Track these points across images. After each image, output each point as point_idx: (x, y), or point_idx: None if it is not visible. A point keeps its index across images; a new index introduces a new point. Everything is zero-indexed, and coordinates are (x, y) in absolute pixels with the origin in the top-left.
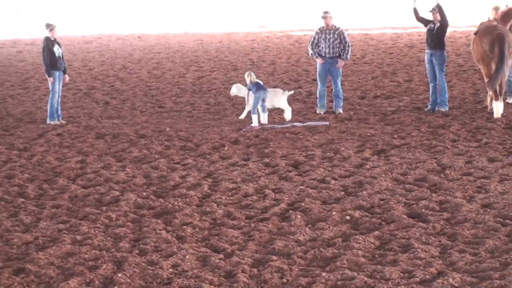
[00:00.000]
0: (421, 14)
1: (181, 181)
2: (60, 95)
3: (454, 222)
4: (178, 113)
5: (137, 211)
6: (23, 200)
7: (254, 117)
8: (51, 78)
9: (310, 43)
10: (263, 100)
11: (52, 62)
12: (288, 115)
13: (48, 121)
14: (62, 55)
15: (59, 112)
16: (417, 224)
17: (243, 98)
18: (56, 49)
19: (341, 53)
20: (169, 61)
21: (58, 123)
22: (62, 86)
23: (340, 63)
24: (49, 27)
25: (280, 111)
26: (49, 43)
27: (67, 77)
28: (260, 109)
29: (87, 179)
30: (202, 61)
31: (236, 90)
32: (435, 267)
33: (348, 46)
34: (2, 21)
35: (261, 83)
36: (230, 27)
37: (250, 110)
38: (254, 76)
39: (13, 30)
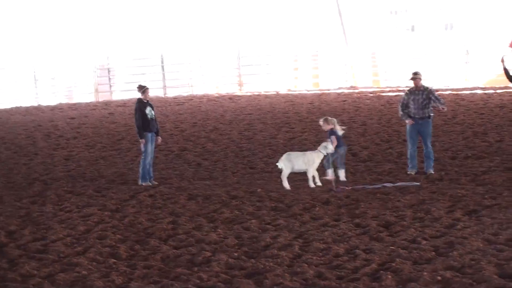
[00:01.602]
0: None
1: (272, 242)
2: (152, 156)
3: None
4: (269, 174)
5: (228, 272)
6: (115, 260)
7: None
8: (143, 140)
9: (400, 104)
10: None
11: (144, 124)
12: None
13: (140, 182)
14: (155, 117)
15: (151, 173)
16: (508, 284)
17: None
18: (149, 110)
19: (437, 105)
20: (260, 122)
21: (150, 184)
22: (155, 148)
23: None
24: (142, 89)
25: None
26: (141, 105)
27: (159, 139)
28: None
29: (179, 239)
30: (293, 122)
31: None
32: None
33: (440, 100)
34: (94, 83)
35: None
36: (321, 87)
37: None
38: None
39: (105, 91)
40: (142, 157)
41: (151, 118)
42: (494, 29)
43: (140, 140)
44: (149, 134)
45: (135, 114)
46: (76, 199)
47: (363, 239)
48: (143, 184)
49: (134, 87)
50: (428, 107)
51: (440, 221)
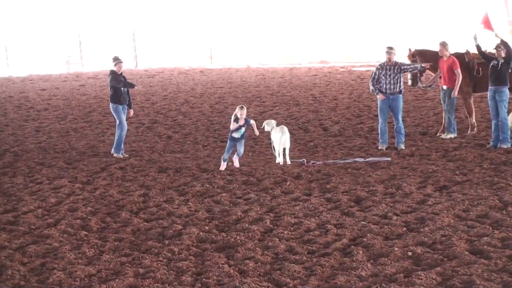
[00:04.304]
0: (484, 50)
1: (243, 216)
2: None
3: None
4: None
5: (199, 245)
6: (86, 233)
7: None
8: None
9: (371, 79)
10: None
11: (116, 97)
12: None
13: (112, 152)
14: (128, 90)
15: (122, 146)
16: (479, 261)
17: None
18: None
19: (401, 91)
20: (231, 95)
21: (121, 156)
22: (126, 120)
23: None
24: (115, 61)
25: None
26: (114, 75)
27: (131, 112)
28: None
29: (150, 212)
30: (264, 96)
31: (267, 127)
32: None
33: (411, 64)
34: (65, 55)
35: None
36: (292, 62)
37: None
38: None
39: (76, 63)
40: (119, 129)
41: (123, 90)
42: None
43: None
44: (120, 107)
45: (110, 82)
46: (47, 171)
47: (334, 214)
48: (115, 155)
49: (105, 59)
50: (399, 82)
51: (411, 197)
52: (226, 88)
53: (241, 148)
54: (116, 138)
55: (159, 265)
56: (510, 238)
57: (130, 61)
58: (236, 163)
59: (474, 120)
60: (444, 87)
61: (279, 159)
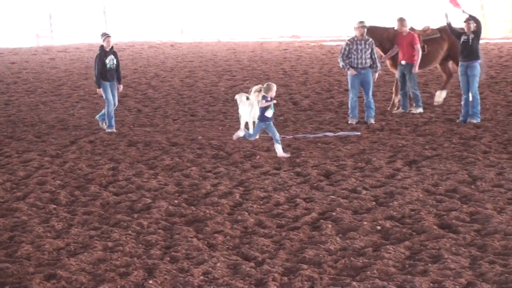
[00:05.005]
0: (454, 27)
1: (212, 189)
2: (115, 105)
3: (484, 233)
4: (210, 122)
5: (168, 219)
6: (55, 206)
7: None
8: (100, 90)
9: (341, 54)
10: None
11: (102, 73)
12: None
13: (106, 129)
14: (116, 66)
15: (113, 122)
16: (447, 235)
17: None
18: (109, 60)
19: (372, 65)
20: (201, 69)
21: (104, 127)
22: (117, 96)
23: (375, 76)
24: (103, 36)
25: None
26: (101, 53)
27: (120, 87)
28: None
29: (119, 186)
30: (235, 70)
31: (238, 99)
32: (464, 277)
33: (376, 58)
34: (35, 28)
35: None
36: (262, 36)
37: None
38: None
39: (46, 37)
40: (106, 106)
41: (109, 67)
42: None
43: (97, 90)
44: (107, 83)
45: (94, 61)
46: (16, 144)
47: (304, 188)
48: (108, 130)
49: (75, 33)
50: (370, 57)
51: (381, 171)
52: (196, 62)
53: (275, 133)
54: (105, 115)
55: (128, 238)
56: (479, 213)
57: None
58: (280, 152)
59: (397, 100)
60: (403, 62)
61: (242, 134)
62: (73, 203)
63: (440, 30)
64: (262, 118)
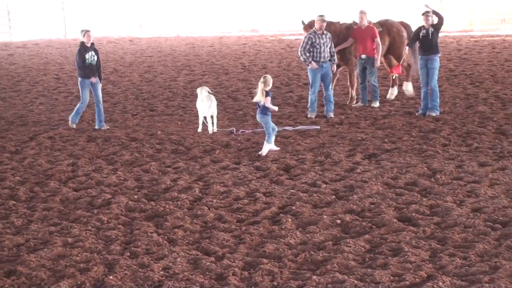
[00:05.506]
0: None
1: (172, 184)
2: (99, 101)
3: (444, 226)
4: (169, 117)
5: (128, 214)
6: (14, 202)
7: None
8: (95, 78)
9: (302, 48)
10: None
11: (81, 69)
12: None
13: (70, 123)
14: (97, 62)
15: (102, 118)
16: (407, 228)
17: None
18: (89, 55)
19: (330, 58)
20: (160, 64)
21: (74, 126)
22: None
23: (333, 67)
24: (83, 32)
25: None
26: (82, 48)
27: (100, 85)
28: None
29: (79, 182)
30: (194, 64)
31: (199, 93)
32: (425, 270)
33: (334, 51)
34: None
35: None
36: (222, 30)
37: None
38: None
39: (4, 33)
40: (80, 103)
41: (89, 63)
42: None
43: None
44: (87, 80)
45: (75, 57)
46: None
47: (264, 182)
48: (70, 122)
49: (34, 29)
50: (331, 50)
51: (340, 165)
52: (155, 57)
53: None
54: (75, 109)
55: (87, 234)
56: (438, 206)
57: (59, 30)
58: (266, 150)
59: (354, 93)
60: (363, 56)
61: (200, 129)
62: (32, 199)
63: (381, 24)
64: (265, 111)
